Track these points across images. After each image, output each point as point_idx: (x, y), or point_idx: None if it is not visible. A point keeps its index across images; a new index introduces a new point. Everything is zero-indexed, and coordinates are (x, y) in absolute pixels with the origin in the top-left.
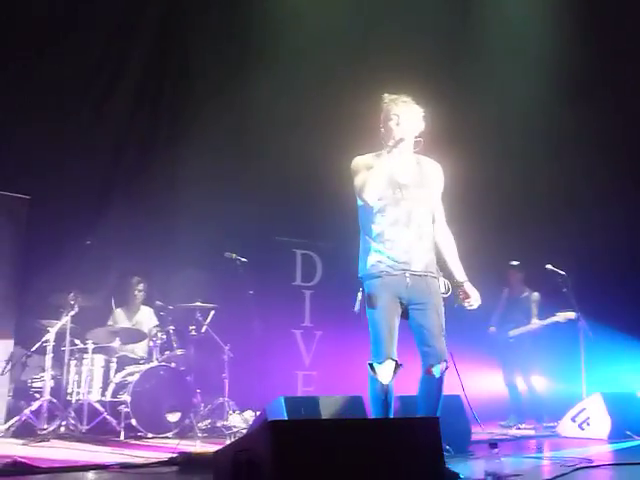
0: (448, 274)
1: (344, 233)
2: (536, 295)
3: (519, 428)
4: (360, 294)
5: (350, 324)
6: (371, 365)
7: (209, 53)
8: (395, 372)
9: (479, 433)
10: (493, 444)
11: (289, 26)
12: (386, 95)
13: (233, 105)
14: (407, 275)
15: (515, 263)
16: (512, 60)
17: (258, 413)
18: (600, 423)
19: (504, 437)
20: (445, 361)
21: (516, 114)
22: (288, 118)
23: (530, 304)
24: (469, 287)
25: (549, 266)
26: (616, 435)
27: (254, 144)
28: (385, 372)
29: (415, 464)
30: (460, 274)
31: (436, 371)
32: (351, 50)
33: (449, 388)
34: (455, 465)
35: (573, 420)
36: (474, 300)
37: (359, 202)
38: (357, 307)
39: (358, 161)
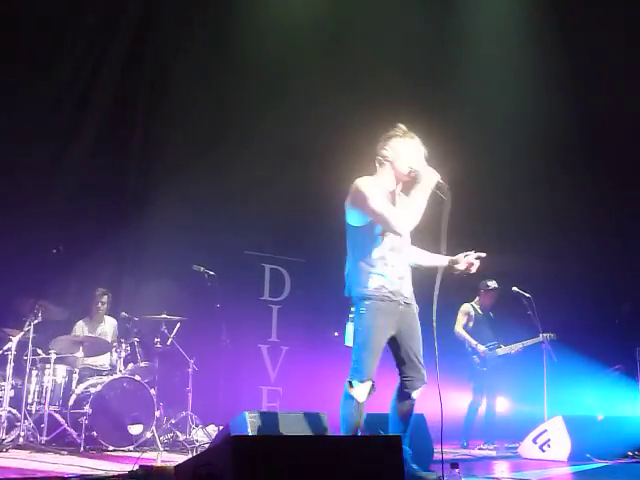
0: (434, 264)
1: (314, 250)
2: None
3: (481, 448)
4: (350, 326)
5: (316, 341)
6: (350, 383)
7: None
8: (370, 393)
9: (440, 452)
10: (454, 464)
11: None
12: (400, 129)
13: (205, 117)
14: (401, 302)
15: (492, 283)
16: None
17: (221, 428)
18: (561, 445)
19: (466, 457)
20: (425, 384)
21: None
22: (261, 128)
23: (496, 324)
24: (462, 256)
25: (515, 288)
26: (576, 457)
27: (225, 157)
28: (363, 391)
29: None
30: (444, 256)
31: (417, 394)
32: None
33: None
34: None
35: (534, 442)
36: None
37: (356, 223)
38: (349, 342)
39: (373, 186)
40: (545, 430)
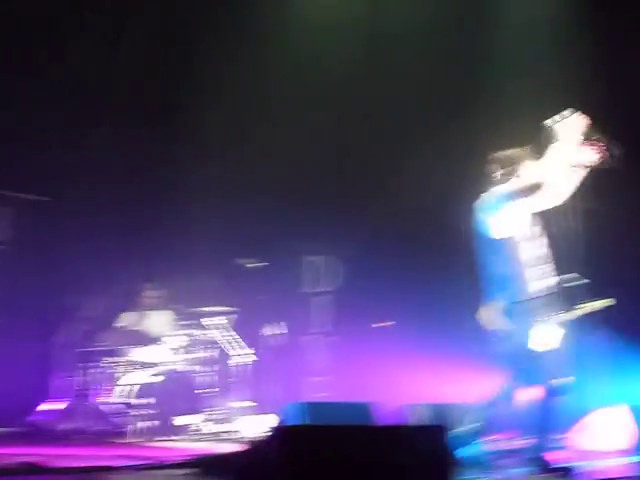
0: None
1: (361, 239)
2: None
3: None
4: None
5: (366, 330)
6: None
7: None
8: None
9: (491, 443)
10: (507, 455)
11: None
12: None
13: (244, 108)
14: None
15: None
16: None
17: (273, 418)
18: (622, 434)
19: (514, 448)
20: None
21: None
22: (308, 117)
23: None
24: None
25: None
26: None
27: (270, 147)
28: None
29: (423, 473)
30: None
31: None
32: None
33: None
34: (467, 475)
35: (588, 431)
36: None
37: None
38: None
39: None
40: (604, 419)
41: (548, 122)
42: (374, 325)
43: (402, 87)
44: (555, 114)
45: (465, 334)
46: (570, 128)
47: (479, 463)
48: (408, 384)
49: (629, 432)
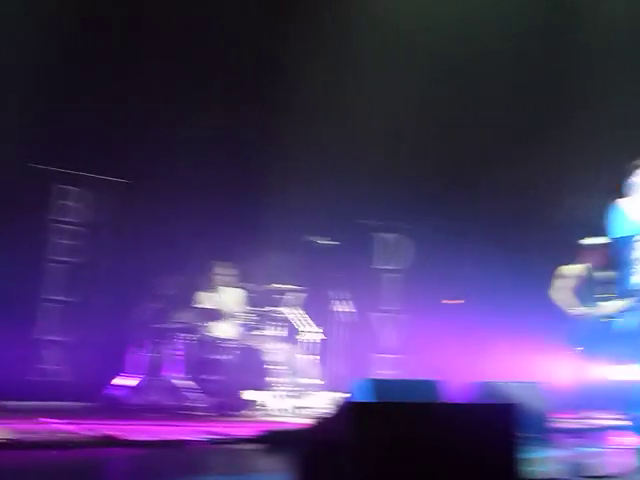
0: None
1: (431, 218)
2: None
3: (598, 418)
4: None
5: (435, 308)
6: None
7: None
8: None
9: (559, 421)
10: (574, 433)
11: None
12: None
13: (322, 89)
14: None
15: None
16: None
17: (343, 395)
18: None
19: (586, 426)
20: None
21: None
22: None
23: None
24: None
25: None
26: None
27: (341, 127)
28: None
29: (490, 449)
30: None
31: None
32: None
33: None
34: (534, 452)
35: None
36: None
37: None
38: None
39: None
40: None
41: None
42: (444, 302)
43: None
44: None
45: (538, 314)
46: None
47: (547, 440)
48: (477, 362)
49: None
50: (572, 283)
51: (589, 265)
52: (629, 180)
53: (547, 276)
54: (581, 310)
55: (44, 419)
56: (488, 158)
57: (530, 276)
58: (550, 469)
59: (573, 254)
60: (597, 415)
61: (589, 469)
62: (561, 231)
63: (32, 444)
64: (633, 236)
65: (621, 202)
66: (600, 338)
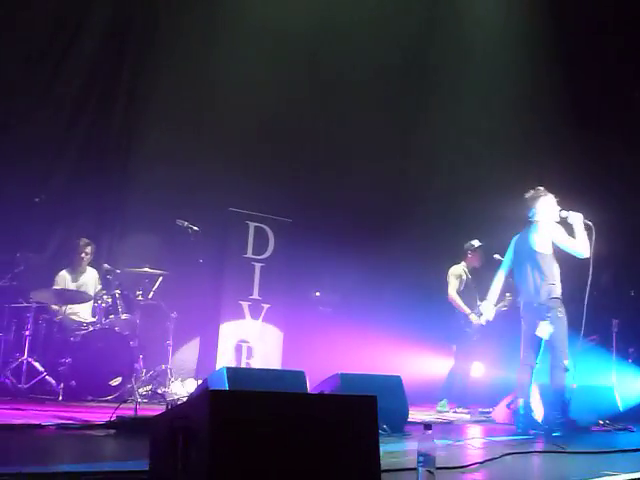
0: None
1: (298, 211)
2: None
3: (455, 412)
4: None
5: (297, 300)
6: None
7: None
8: None
9: (415, 415)
10: (427, 425)
11: None
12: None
13: (192, 70)
14: None
15: (476, 242)
16: None
17: (200, 382)
18: (535, 411)
19: (439, 420)
20: None
21: None
22: (258, 84)
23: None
24: None
25: (497, 256)
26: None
27: (212, 110)
28: None
29: (350, 441)
30: None
31: None
32: None
33: (389, 369)
34: (390, 444)
35: (508, 407)
36: None
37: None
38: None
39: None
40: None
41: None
42: (316, 294)
43: None
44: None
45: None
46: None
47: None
48: (339, 355)
49: (538, 409)
50: (458, 283)
51: (469, 266)
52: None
53: (420, 274)
54: (465, 309)
55: None
56: (360, 152)
57: (402, 273)
58: (406, 460)
59: (452, 255)
60: (455, 408)
61: (443, 460)
62: (434, 229)
63: None
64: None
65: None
66: (470, 337)
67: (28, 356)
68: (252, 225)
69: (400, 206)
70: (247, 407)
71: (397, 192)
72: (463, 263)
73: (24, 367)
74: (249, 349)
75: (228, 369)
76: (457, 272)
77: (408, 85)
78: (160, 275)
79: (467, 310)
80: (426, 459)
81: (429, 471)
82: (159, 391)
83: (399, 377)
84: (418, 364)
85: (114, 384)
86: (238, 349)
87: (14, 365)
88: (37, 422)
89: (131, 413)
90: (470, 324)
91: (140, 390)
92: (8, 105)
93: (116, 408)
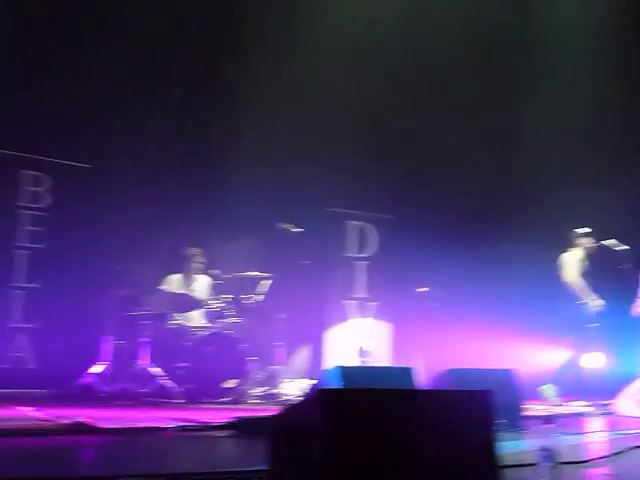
0: None
1: (404, 206)
2: None
3: (574, 405)
4: None
5: (405, 296)
6: None
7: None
8: None
9: (531, 408)
10: (548, 419)
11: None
12: None
13: (287, 69)
14: None
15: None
16: None
17: (314, 382)
18: None
19: (558, 413)
20: None
21: None
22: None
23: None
24: None
25: (612, 241)
26: None
27: (310, 114)
28: None
29: (465, 436)
30: None
31: None
32: None
33: (501, 363)
34: (506, 439)
35: (633, 398)
36: None
37: None
38: None
39: None
40: None
41: None
42: (418, 290)
43: None
44: None
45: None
46: None
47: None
48: (450, 349)
49: None
50: (578, 268)
51: (585, 253)
52: None
53: (524, 264)
54: (587, 293)
55: (15, 406)
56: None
57: (506, 264)
58: (525, 456)
59: (559, 243)
60: (571, 402)
61: (564, 455)
62: (537, 219)
63: (3, 432)
64: None
65: None
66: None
67: (146, 362)
68: (352, 224)
69: (508, 199)
70: (359, 404)
71: (509, 181)
72: (579, 249)
73: (143, 372)
74: (360, 347)
75: (341, 367)
76: (578, 256)
77: (512, 72)
78: (267, 278)
79: (590, 295)
80: (549, 454)
81: (553, 466)
82: (273, 392)
83: (512, 370)
84: (531, 357)
85: (229, 386)
86: (348, 347)
87: (134, 371)
88: (155, 425)
89: (248, 414)
90: (592, 312)
91: (255, 392)
92: (115, 123)
93: (232, 410)
